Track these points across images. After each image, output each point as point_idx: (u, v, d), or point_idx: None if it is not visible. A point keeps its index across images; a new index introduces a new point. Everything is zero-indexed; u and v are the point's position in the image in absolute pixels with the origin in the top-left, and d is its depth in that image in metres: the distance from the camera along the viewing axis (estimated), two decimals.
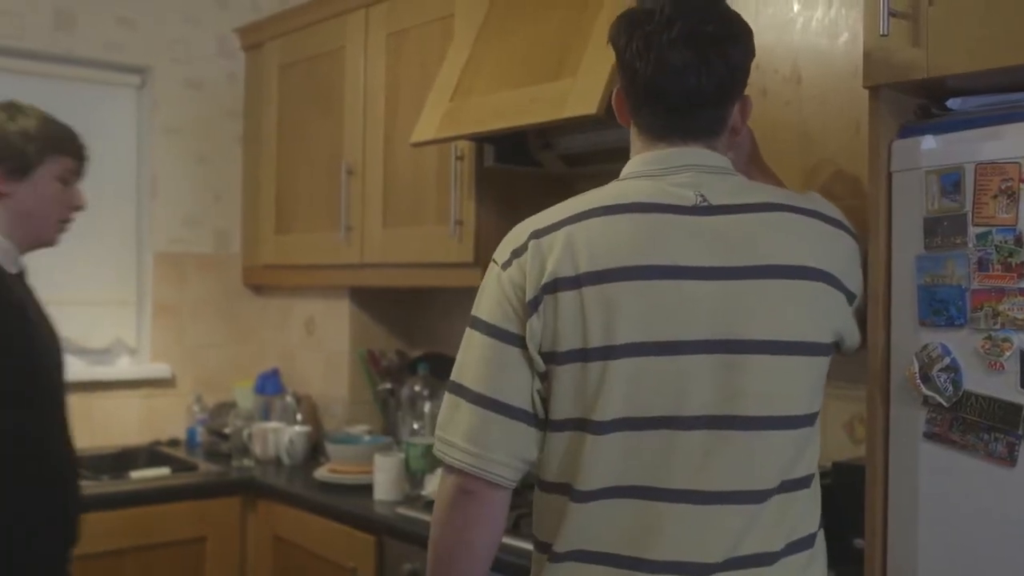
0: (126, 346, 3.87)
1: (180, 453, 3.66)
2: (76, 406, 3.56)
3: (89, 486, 3.10)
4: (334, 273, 3.48)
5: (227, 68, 4.05)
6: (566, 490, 1.48)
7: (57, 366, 2.17)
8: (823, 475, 1.78)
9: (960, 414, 1.52)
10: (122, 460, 3.54)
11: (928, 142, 1.58)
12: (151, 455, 3.64)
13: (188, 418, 3.87)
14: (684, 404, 1.43)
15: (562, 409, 1.47)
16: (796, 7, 2.06)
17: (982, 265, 1.50)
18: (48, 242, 2.27)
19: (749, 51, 1.58)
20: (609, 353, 1.43)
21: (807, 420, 1.50)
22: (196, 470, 3.40)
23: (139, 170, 3.89)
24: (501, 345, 1.48)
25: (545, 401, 1.49)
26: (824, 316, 1.50)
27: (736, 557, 1.44)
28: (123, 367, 3.85)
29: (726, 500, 1.44)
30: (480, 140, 2.78)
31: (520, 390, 1.48)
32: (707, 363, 1.43)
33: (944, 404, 1.54)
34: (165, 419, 3.88)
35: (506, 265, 1.51)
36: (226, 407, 3.78)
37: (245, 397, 3.75)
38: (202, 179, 3.99)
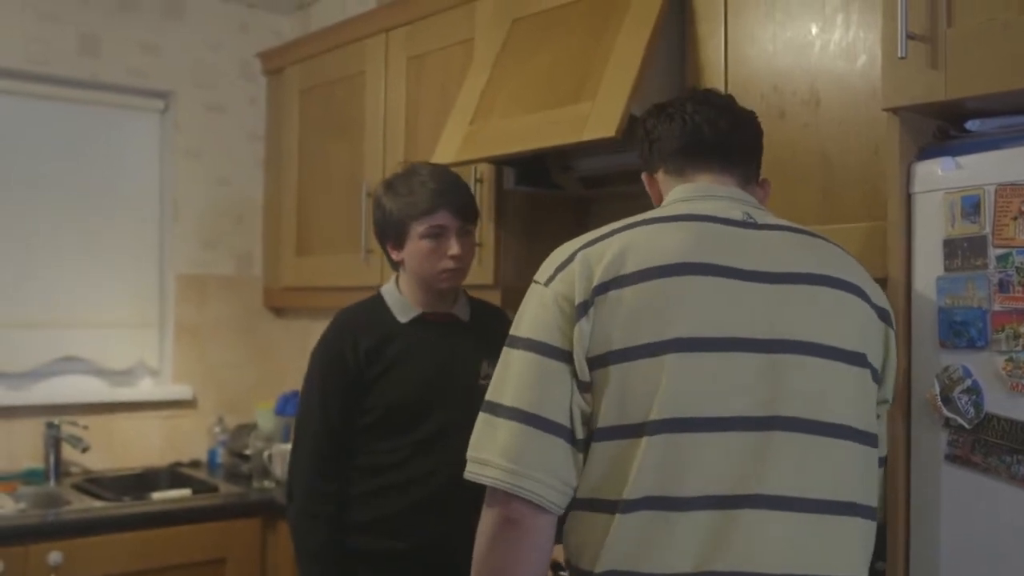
0: (148, 367, 3.90)
1: (201, 474, 3.67)
2: (98, 427, 3.61)
3: (110, 507, 3.12)
4: (354, 295, 3.47)
5: (249, 92, 4.09)
6: (609, 505, 1.41)
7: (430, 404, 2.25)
8: None
9: (982, 436, 1.51)
10: (144, 481, 3.55)
11: (947, 164, 1.58)
12: (172, 476, 3.66)
13: (209, 439, 3.89)
14: (732, 404, 1.39)
15: (610, 414, 1.41)
16: (814, 30, 2.07)
17: (1003, 286, 1.50)
18: None
19: (759, 129, 1.70)
20: (663, 348, 1.39)
21: (862, 436, 1.45)
22: (217, 491, 3.41)
23: (162, 193, 3.93)
24: (543, 360, 1.44)
25: (588, 416, 1.44)
26: (868, 336, 1.49)
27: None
28: (145, 388, 3.88)
29: (778, 506, 1.38)
30: (500, 163, 2.80)
31: (561, 406, 1.42)
32: (757, 361, 1.41)
33: (966, 426, 1.53)
34: (186, 440, 3.89)
35: (549, 281, 1.48)
36: (247, 428, 3.79)
37: (266, 418, 3.76)
38: (224, 202, 4.03)
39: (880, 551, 1.67)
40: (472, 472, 1.46)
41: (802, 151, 2.09)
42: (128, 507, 3.15)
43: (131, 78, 3.80)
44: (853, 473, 1.44)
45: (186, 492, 3.33)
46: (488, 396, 1.48)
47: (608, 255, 1.45)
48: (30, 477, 3.45)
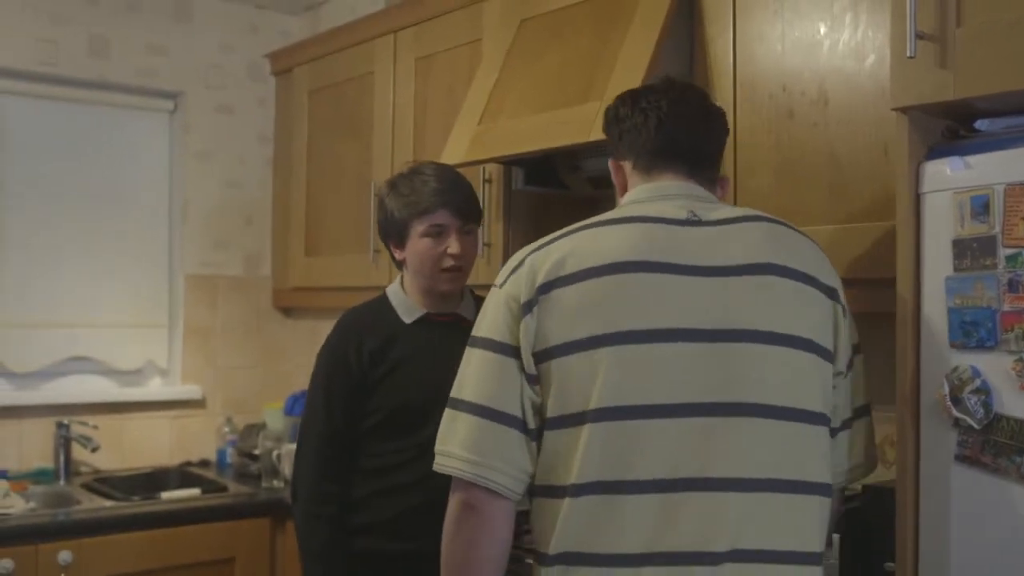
0: (157, 367, 3.91)
1: (210, 474, 3.68)
2: (108, 427, 3.63)
3: (120, 506, 3.14)
4: (363, 295, 3.48)
5: (258, 93, 4.10)
6: (559, 490, 1.50)
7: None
8: (852, 497, 1.78)
9: (991, 436, 1.51)
10: (153, 481, 3.56)
11: (956, 164, 1.58)
12: (182, 476, 3.67)
13: (218, 439, 3.90)
14: (674, 392, 1.46)
15: (555, 406, 1.51)
16: (823, 29, 2.06)
17: (1012, 286, 1.49)
18: None
19: (727, 131, 1.75)
20: (598, 342, 1.48)
21: (811, 417, 1.50)
22: (226, 491, 3.41)
23: (171, 194, 3.94)
24: (497, 357, 1.55)
25: (539, 406, 1.54)
26: (815, 319, 1.54)
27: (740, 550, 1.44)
28: (154, 388, 3.89)
29: (725, 487, 1.44)
30: (508, 163, 2.80)
31: (513, 398, 1.53)
32: (700, 351, 1.47)
33: (975, 426, 1.53)
34: (195, 440, 3.91)
35: (503, 284, 1.59)
36: (256, 428, 3.80)
37: (275, 418, 3.77)
38: (233, 202, 4.04)
39: (890, 552, 1.67)
40: (438, 463, 1.58)
41: (811, 151, 2.08)
42: (137, 507, 3.16)
43: (140, 79, 3.82)
44: (803, 453, 1.50)
45: (195, 492, 3.34)
46: (452, 393, 1.60)
47: (553, 257, 1.55)
48: (40, 477, 3.46)
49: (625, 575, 1.45)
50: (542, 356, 1.52)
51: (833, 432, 1.59)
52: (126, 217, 3.83)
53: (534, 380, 1.53)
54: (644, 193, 1.64)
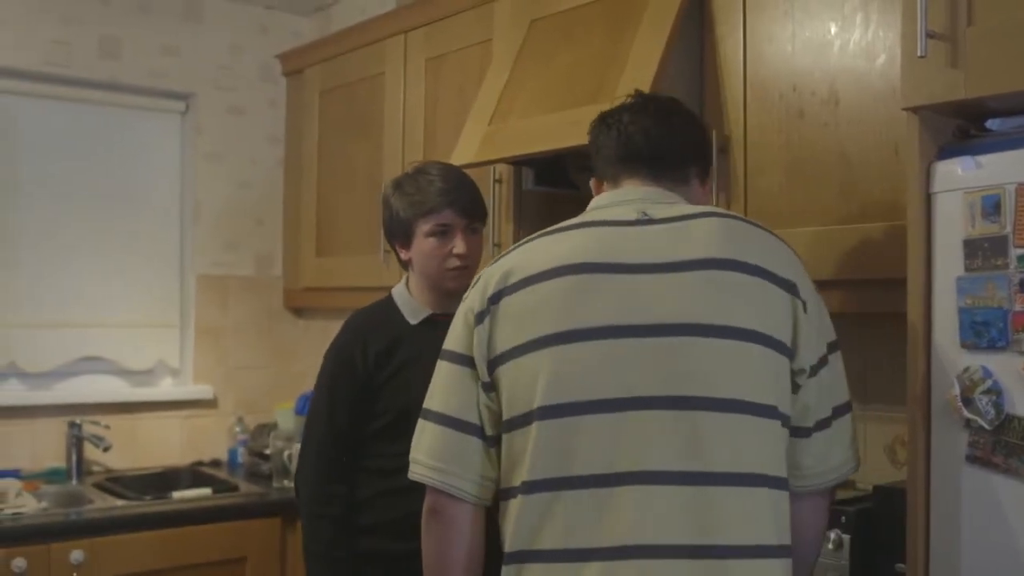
0: (169, 367, 3.92)
1: (222, 474, 3.69)
2: (119, 426, 3.64)
3: (132, 506, 3.15)
4: (374, 295, 3.49)
5: (268, 94, 4.11)
6: (514, 491, 1.54)
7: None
8: (863, 498, 1.78)
9: (1002, 437, 1.51)
10: (164, 480, 3.57)
11: (967, 163, 1.57)
12: (193, 476, 3.68)
13: (229, 439, 3.92)
14: (609, 387, 1.47)
15: (507, 409, 1.56)
16: (833, 29, 2.06)
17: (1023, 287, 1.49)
18: None
19: (703, 136, 1.79)
20: (540, 344, 1.52)
21: (759, 409, 1.49)
22: (237, 491, 3.42)
23: (182, 194, 3.96)
24: (457, 368, 1.62)
25: (496, 413, 1.58)
26: (767, 312, 1.52)
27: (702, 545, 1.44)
28: (166, 388, 3.91)
29: (670, 481, 1.44)
30: (519, 163, 2.80)
31: (470, 407, 1.60)
32: (636, 346, 1.48)
33: (986, 427, 1.52)
34: (207, 440, 3.92)
35: (465, 299, 1.66)
36: (267, 428, 3.81)
37: (286, 418, 3.78)
38: (244, 203, 4.05)
39: (900, 553, 1.66)
40: (411, 471, 1.66)
41: (821, 151, 2.08)
42: (149, 506, 3.17)
43: (151, 80, 3.83)
44: (748, 444, 1.49)
45: (206, 491, 3.35)
46: (424, 403, 1.67)
47: (503, 268, 1.61)
48: (52, 476, 3.48)
49: (571, 570, 1.46)
50: (493, 363, 1.57)
51: (808, 432, 1.57)
52: (138, 218, 3.85)
53: (489, 387, 1.58)
54: (604, 200, 1.69)
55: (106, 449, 3.48)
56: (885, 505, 1.91)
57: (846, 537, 1.93)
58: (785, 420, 1.53)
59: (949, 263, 1.58)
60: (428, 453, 1.62)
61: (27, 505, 3.03)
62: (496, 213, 2.85)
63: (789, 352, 1.53)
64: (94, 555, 2.92)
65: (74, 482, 3.49)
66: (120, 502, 3.20)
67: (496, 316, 1.58)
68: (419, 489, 2.21)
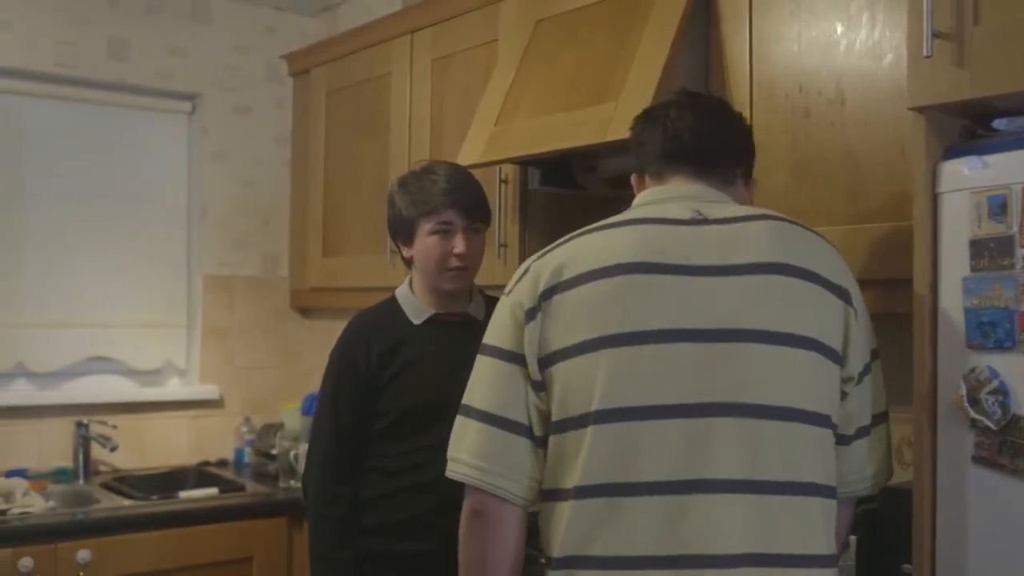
0: (176, 367, 3.93)
1: (228, 473, 3.70)
2: (126, 426, 3.65)
3: (138, 505, 3.16)
4: (380, 296, 3.49)
5: (275, 94, 4.12)
6: (564, 493, 1.50)
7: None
8: (869, 499, 1.77)
9: (1009, 438, 1.50)
10: (171, 480, 3.59)
11: (974, 163, 1.57)
12: (200, 475, 3.69)
13: (236, 439, 3.92)
14: (672, 392, 1.45)
15: (559, 409, 1.52)
16: (840, 29, 2.06)
17: None
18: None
19: (749, 137, 1.76)
20: (599, 344, 1.48)
21: (812, 418, 1.49)
22: (243, 491, 3.43)
23: (189, 194, 3.97)
24: (503, 364, 1.57)
25: (546, 413, 1.55)
26: (821, 319, 1.52)
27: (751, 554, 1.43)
28: (173, 388, 3.91)
29: (724, 489, 1.43)
30: (524, 163, 2.80)
31: (519, 406, 1.55)
32: (698, 351, 1.46)
33: (992, 428, 1.52)
34: (213, 440, 3.93)
35: (510, 292, 1.61)
36: (273, 428, 3.82)
37: (292, 418, 3.78)
38: (250, 203, 4.06)
39: (906, 553, 1.66)
40: (450, 469, 1.60)
41: (828, 150, 2.08)
42: (156, 506, 3.18)
43: (159, 81, 3.84)
44: (804, 454, 1.48)
45: (213, 491, 3.36)
46: (463, 399, 1.62)
47: (554, 263, 1.56)
48: (60, 476, 3.49)
49: None
50: (546, 362, 1.53)
51: (848, 440, 1.58)
52: (144, 218, 3.86)
53: (539, 387, 1.54)
54: (651, 196, 1.65)
55: (113, 449, 3.49)
56: (891, 505, 1.90)
57: (852, 537, 1.92)
58: (834, 429, 1.54)
59: (955, 263, 1.58)
60: (472, 453, 1.56)
61: (34, 505, 3.04)
62: (502, 213, 2.85)
63: (840, 360, 1.53)
64: (101, 555, 2.92)
65: (81, 482, 3.50)
66: (127, 502, 3.21)
67: (549, 313, 1.53)
68: (422, 489, 2.22)
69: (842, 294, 1.54)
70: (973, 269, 1.55)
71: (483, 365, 1.61)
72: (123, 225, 3.79)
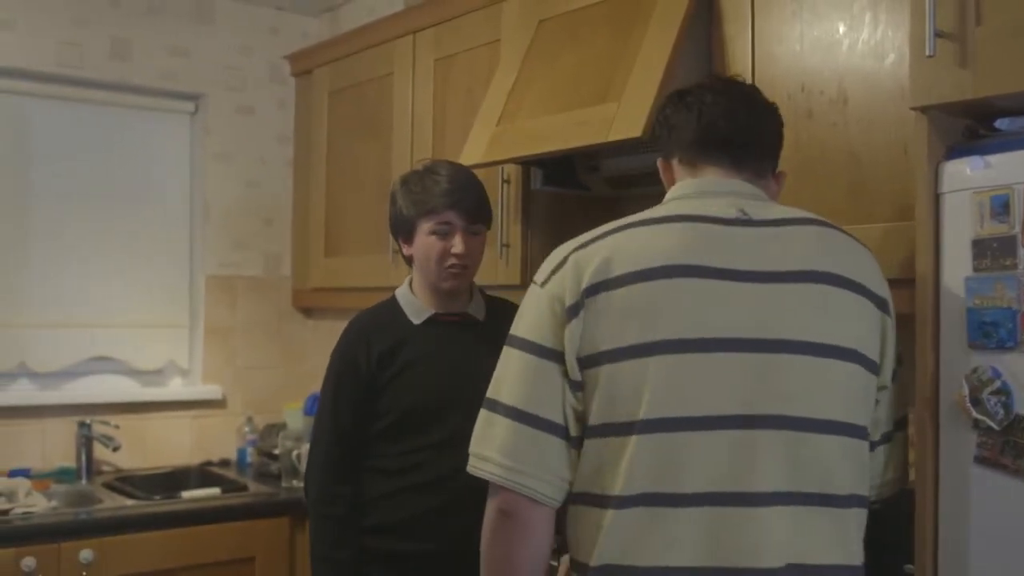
0: (178, 367, 3.93)
1: (230, 473, 3.70)
2: (129, 426, 3.65)
3: (141, 505, 3.16)
4: (382, 296, 3.49)
5: (278, 94, 4.12)
6: (603, 500, 1.46)
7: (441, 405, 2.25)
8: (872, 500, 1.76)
9: (1011, 438, 1.50)
10: (174, 480, 3.59)
11: (976, 163, 1.57)
12: (202, 475, 3.70)
13: (238, 439, 3.93)
14: (719, 403, 1.42)
15: (600, 413, 1.46)
16: (842, 28, 2.05)
17: None
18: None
19: (781, 129, 1.70)
20: (648, 350, 1.43)
21: (852, 430, 1.48)
22: (246, 491, 3.43)
23: (192, 194, 3.97)
24: (538, 360, 1.50)
25: (581, 413, 1.49)
26: (863, 330, 1.51)
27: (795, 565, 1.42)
28: (175, 388, 3.92)
29: (770, 502, 1.41)
30: (527, 163, 2.80)
31: (554, 404, 1.48)
32: (744, 361, 1.43)
33: (995, 428, 1.52)
34: (216, 440, 3.93)
35: (545, 282, 1.54)
36: (276, 428, 3.82)
37: (294, 418, 3.79)
38: (253, 203, 4.06)
39: (908, 554, 1.66)
40: (473, 467, 1.53)
41: (830, 150, 2.07)
42: (158, 506, 3.18)
43: (161, 81, 3.84)
44: (844, 466, 1.47)
45: (215, 491, 3.36)
46: (488, 393, 1.55)
47: (598, 258, 1.49)
48: (62, 476, 3.49)
49: None
50: (588, 362, 1.47)
51: (873, 445, 1.57)
52: (147, 218, 3.86)
53: (578, 387, 1.48)
54: (688, 188, 1.60)
55: (115, 449, 3.49)
56: (893, 506, 1.90)
57: None
58: (868, 438, 1.53)
59: (958, 263, 1.58)
60: (501, 451, 1.49)
61: (37, 504, 3.04)
62: (504, 213, 2.85)
63: (877, 370, 1.53)
64: (103, 554, 2.93)
65: (84, 482, 3.50)
66: (129, 502, 3.21)
67: (594, 311, 1.46)
68: (422, 489, 2.22)
69: (881, 304, 1.53)
70: (975, 269, 1.55)
71: (513, 359, 1.53)
72: (125, 225, 3.80)
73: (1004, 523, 1.51)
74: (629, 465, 1.43)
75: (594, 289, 1.47)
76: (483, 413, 1.54)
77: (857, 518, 1.50)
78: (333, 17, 4.19)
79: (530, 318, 1.53)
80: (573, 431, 1.49)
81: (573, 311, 1.47)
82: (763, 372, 1.43)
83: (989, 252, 1.53)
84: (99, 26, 3.70)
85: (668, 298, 1.45)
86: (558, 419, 1.49)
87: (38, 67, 3.58)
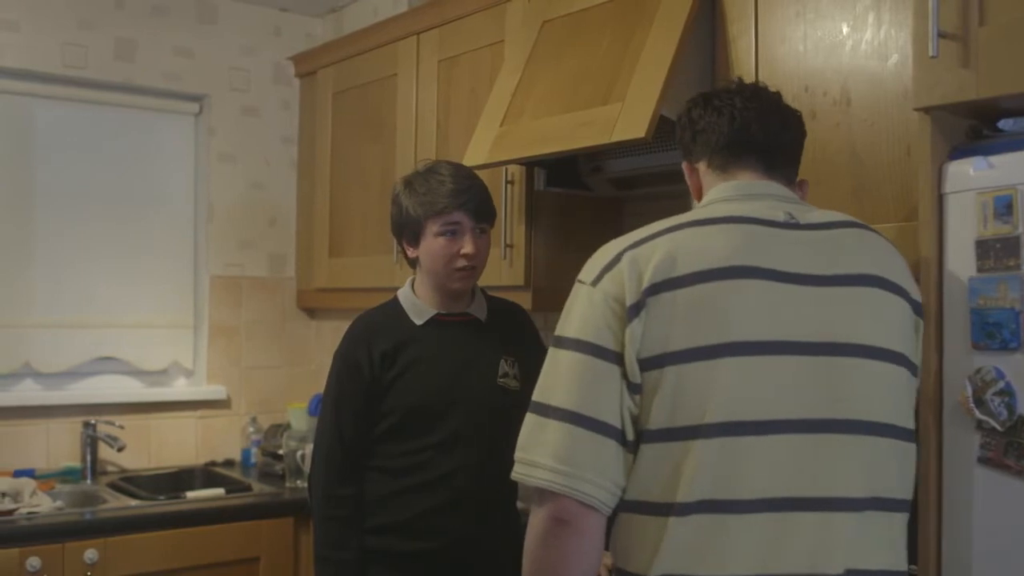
0: (183, 368, 3.94)
1: (235, 474, 3.71)
2: (134, 427, 3.66)
3: (145, 506, 3.16)
4: (387, 296, 3.50)
5: (282, 95, 4.12)
6: (661, 508, 1.42)
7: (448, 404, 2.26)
8: None
9: (1015, 439, 1.50)
10: (178, 480, 3.60)
11: (980, 164, 1.57)
12: (206, 476, 3.70)
13: (243, 439, 3.93)
14: (786, 407, 1.40)
15: (661, 416, 1.41)
16: (845, 29, 2.05)
17: None
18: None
19: (804, 130, 1.71)
20: (718, 351, 1.40)
21: (905, 434, 1.48)
22: (250, 491, 3.43)
23: (196, 195, 3.97)
24: (593, 361, 1.42)
25: (636, 417, 1.43)
26: (906, 333, 1.51)
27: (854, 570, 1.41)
28: (180, 388, 3.92)
29: (835, 507, 1.40)
30: (530, 164, 2.80)
31: (611, 407, 1.42)
32: (809, 364, 1.42)
33: (998, 428, 1.52)
34: (220, 440, 3.93)
35: (596, 281, 1.47)
36: (280, 428, 3.82)
37: (299, 419, 3.79)
38: (257, 204, 4.07)
39: (912, 554, 1.65)
40: (521, 473, 1.45)
41: (834, 151, 2.07)
42: (163, 506, 3.18)
43: (166, 82, 3.85)
44: (898, 470, 1.47)
45: (220, 491, 3.36)
46: (536, 396, 1.47)
47: (656, 256, 1.44)
48: (67, 476, 3.50)
49: None
50: (650, 363, 1.41)
51: None
52: (152, 219, 3.87)
53: (636, 389, 1.42)
54: (728, 191, 1.57)
55: (120, 449, 3.50)
56: None
57: None
58: (914, 441, 1.53)
59: (961, 264, 1.58)
60: (555, 456, 1.40)
61: (42, 504, 3.05)
62: (508, 214, 2.85)
63: (918, 373, 1.53)
64: (108, 554, 2.93)
65: (88, 482, 3.51)
66: (134, 502, 3.22)
67: (657, 311, 1.40)
68: (426, 489, 2.23)
69: (917, 308, 1.53)
70: (979, 270, 1.55)
71: (566, 360, 1.45)
72: (131, 225, 3.80)
73: (1007, 524, 1.51)
74: (694, 471, 1.38)
75: (656, 288, 1.42)
76: (531, 418, 1.46)
77: (903, 522, 1.49)
78: (337, 18, 4.19)
79: (582, 318, 1.46)
80: (630, 435, 1.43)
81: (634, 310, 1.41)
82: (827, 376, 1.42)
83: (993, 253, 1.53)
84: (103, 27, 3.70)
85: (735, 299, 1.42)
86: (615, 422, 1.42)
87: (43, 68, 3.59)
